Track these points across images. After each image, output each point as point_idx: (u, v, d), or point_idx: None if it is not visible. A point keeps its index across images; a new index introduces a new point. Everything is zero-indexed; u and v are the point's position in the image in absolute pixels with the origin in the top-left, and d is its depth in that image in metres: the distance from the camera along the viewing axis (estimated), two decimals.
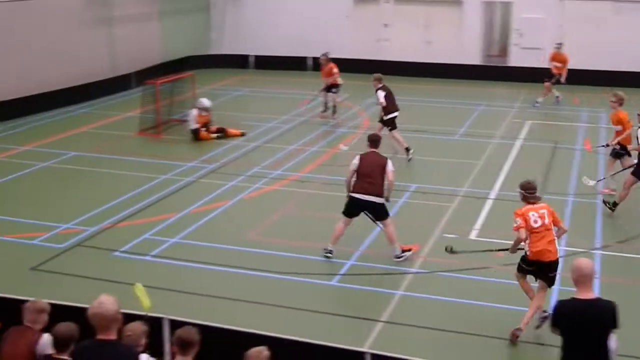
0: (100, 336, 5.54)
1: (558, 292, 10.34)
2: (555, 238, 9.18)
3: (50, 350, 6.50)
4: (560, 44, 23.32)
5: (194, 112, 18.76)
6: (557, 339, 6.62)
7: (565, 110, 22.44)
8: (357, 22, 29.58)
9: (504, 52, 29.85)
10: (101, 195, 14.45)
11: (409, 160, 16.82)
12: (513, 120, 21.14)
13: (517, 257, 11.53)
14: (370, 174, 11.35)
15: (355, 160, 11.45)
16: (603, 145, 15.43)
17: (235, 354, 6.43)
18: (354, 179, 11.44)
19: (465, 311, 10.04)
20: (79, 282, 10.75)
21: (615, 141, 14.36)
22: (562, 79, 22.64)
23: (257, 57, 29.99)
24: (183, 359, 6.07)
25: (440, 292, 10.54)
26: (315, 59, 29.41)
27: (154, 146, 18.29)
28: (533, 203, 9.34)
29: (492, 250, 10.51)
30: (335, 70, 21.23)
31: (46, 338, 6.55)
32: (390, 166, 11.41)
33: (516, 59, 27.84)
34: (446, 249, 10.51)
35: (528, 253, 9.19)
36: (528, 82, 26.52)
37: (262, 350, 5.92)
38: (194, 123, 18.74)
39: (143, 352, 6.41)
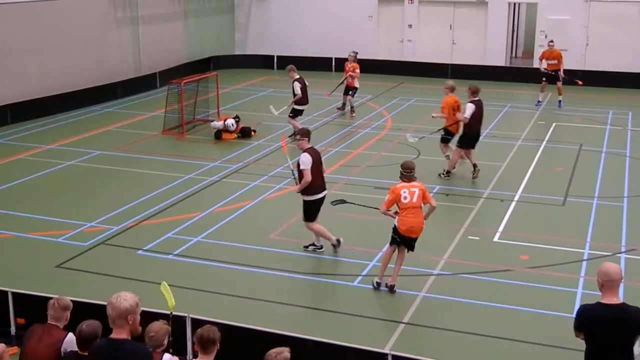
0: (113, 335, 5.53)
1: (581, 295, 10.27)
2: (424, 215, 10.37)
3: (74, 349, 6.54)
4: (552, 41, 23.17)
5: (218, 124, 19.00)
6: (581, 344, 6.54)
7: (591, 112, 22.23)
8: (382, 22, 29.55)
9: (529, 53, 29.67)
10: (125, 194, 14.55)
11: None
12: (538, 122, 21.00)
13: (540, 261, 11.48)
14: (319, 170, 11.72)
15: (307, 159, 11.41)
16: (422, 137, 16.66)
17: (257, 354, 6.44)
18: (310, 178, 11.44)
19: (487, 313, 9.97)
20: (103, 280, 10.83)
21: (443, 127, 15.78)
22: (562, 74, 22.57)
23: (281, 57, 30.03)
24: (204, 357, 6.08)
25: (463, 294, 10.48)
26: (339, 60, 29.54)
27: (177, 146, 18.38)
28: (408, 181, 10.30)
29: (371, 207, 11.50)
30: (357, 70, 21.54)
31: (70, 336, 6.60)
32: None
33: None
34: (333, 203, 11.75)
35: (400, 227, 10.23)
36: (554, 84, 26.34)
37: (283, 351, 5.91)
38: (217, 122, 19.00)
39: (166, 350, 6.43)
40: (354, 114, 21.57)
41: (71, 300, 6.95)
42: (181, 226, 12.87)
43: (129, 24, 24.64)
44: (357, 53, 22.26)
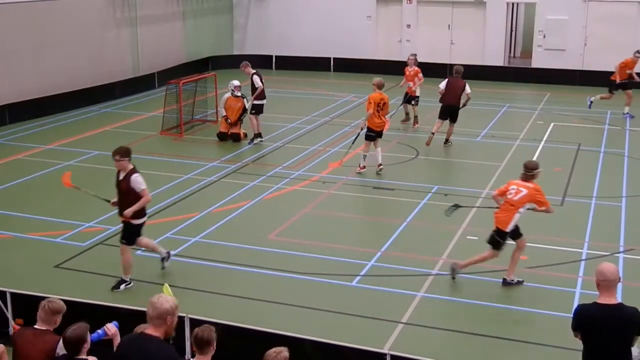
0: (148, 330, 5.78)
1: (580, 295, 10.28)
2: None
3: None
4: (638, 51, 21.30)
5: (225, 96, 18.60)
6: (579, 344, 6.54)
7: (589, 112, 22.23)
8: (380, 22, 29.56)
9: (527, 53, 29.70)
10: None
11: (253, 144, 18.17)
12: (536, 122, 21.01)
13: (539, 261, 11.49)
14: None
15: (142, 178, 10.61)
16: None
17: (256, 354, 6.43)
18: None
19: (486, 313, 9.97)
20: (102, 280, 10.82)
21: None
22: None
23: (280, 57, 30.04)
24: (201, 357, 6.08)
25: (462, 294, 10.48)
26: (337, 60, 29.57)
27: (176, 146, 18.37)
28: (524, 180, 10.35)
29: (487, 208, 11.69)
30: (421, 75, 20.00)
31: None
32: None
33: (540, 60, 27.67)
34: (447, 212, 11.45)
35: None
36: (552, 84, 26.40)
37: (282, 350, 5.91)
38: (223, 108, 18.64)
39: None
40: (417, 125, 19.97)
41: (70, 301, 6.93)
42: (180, 226, 12.86)
43: (127, 24, 24.63)
44: (416, 55, 20.70)
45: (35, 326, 6.60)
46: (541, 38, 27.61)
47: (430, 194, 14.63)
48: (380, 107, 15.38)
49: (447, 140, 18.16)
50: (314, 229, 13.01)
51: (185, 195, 14.50)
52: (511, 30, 30.84)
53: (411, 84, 19.93)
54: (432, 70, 27.97)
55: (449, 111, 17.96)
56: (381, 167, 15.75)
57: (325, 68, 29.46)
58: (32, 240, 12.29)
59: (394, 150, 17.83)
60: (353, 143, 16.21)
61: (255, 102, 18.34)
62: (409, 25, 29.13)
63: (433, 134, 17.68)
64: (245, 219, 13.40)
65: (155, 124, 19.90)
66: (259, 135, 18.43)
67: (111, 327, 6.44)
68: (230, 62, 29.94)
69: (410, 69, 20.09)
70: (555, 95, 24.70)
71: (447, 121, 18.09)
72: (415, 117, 20.13)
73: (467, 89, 17.98)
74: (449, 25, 28.79)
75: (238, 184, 15.25)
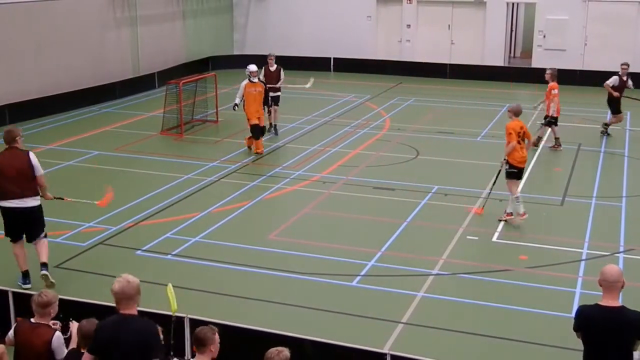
0: (123, 311, 5.94)
1: (580, 295, 10.28)
2: None
3: (63, 348, 6.57)
4: None
5: (243, 83, 17.42)
6: (580, 344, 6.54)
7: (590, 112, 22.25)
8: (380, 22, 29.57)
9: (527, 53, 29.71)
10: (123, 194, 14.51)
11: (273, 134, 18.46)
12: (537, 122, 20.98)
13: (539, 261, 11.49)
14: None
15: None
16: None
17: (256, 354, 6.44)
18: None
19: (486, 313, 9.98)
20: (102, 280, 10.81)
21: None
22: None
23: (280, 57, 29.92)
24: (201, 357, 6.09)
25: (462, 294, 10.48)
26: (337, 60, 29.57)
27: (176, 146, 18.38)
28: None
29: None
30: (555, 91, 17.54)
31: (57, 335, 6.60)
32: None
33: (540, 60, 27.66)
34: None
35: None
36: None
37: (283, 350, 5.92)
38: (239, 96, 17.49)
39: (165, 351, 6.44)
40: (560, 148, 17.91)
41: (71, 300, 6.95)
42: (180, 226, 12.87)
43: (127, 24, 24.63)
44: (554, 69, 17.87)
45: (32, 320, 6.67)
46: (541, 38, 27.62)
47: (431, 194, 14.63)
48: (521, 137, 13.02)
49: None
50: (314, 229, 13.02)
51: (185, 195, 14.50)
52: (511, 30, 30.86)
53: (547, 102, 17.95)
54: (433, 71, 28.10)
55: None
56: (526, 215, 12.96)
57: (326, 68, 29.47)
58: None
59: (393, 150, 17.83)
60: (494, 184, 13.56)
61: (280, 93, 19.14)
62: (409, 25, 29.14)
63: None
64: (245, 219, 13.40)
65: (156, 124, 19.91)
66: (274, 127, 19.01)
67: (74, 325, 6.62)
68: (230, 62, 29.99)
69: (550, 85, 17.71)
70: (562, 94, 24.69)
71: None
72: (556, 138, 17.96)
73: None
74: (449, 25, 28.80)
75: (238, 184, 15.25)
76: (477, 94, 25.10)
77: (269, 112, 18.86)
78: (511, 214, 13.02)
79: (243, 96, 17.35)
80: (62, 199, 11.27)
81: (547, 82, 17.75)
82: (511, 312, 10.02)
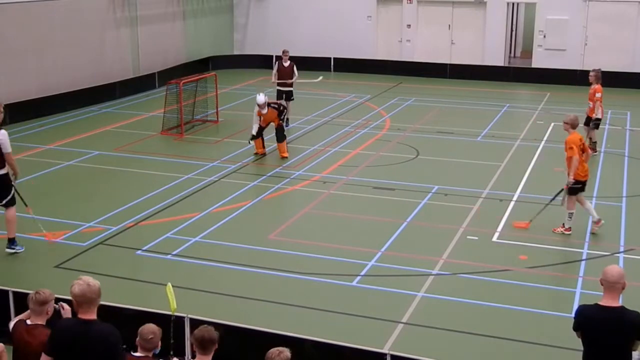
0: (82, 315, 5.76)
1: (580, 295, 10.27)
2: None
3: None
4: None
5: (256, 109, 16.96)
6: (579, 344, 6.55)
7: None
8: (380, 22, 29.57)
9: (527, 53, 29.71)
10: (124, 194, 14.54)
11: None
12: (537, 122, 21.01)
13: (539, 261, 11.48)
14: None
15: None
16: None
17: (256, 354, 6.44)
18: None
19: (486, 313, 9.97)
20: (102, 280, 10.71)
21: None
22: None
23: (280, 57, 29.93)
24: (202, 357, 6.09)
25: (462, 294, 10.48)
26: (337, 60, 29.58)
27: (176, 146, 18.38)
28: None
29: None
30: (599, 95, 16.99)
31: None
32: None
33: (540, 60, 27.67)
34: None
35: None
36: (552, 84, 26.40)
37: (283, 351, 5.91)
38: (255, 126, 16.96)
39: (163, 352, 6.43)
40: (595, 152, 17.23)
41: (70, 301, 6.92)
42: (180, 226, 12.87)
43: (127, 24, 24.63)
44: (598, 71, 17.36)
45: (28, 321, 6.64)
46: (541, 38, 27.61)
47: (431, 194, 14.63)
48: (581, 149, 12.46)
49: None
50: (314, 229, 13.02)
51: (185, 195, 14.51)
52: (511, 30, 30.86)
53: (591, 104, 17.24)
54: (433, 70, 28.10)
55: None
56: (602, 222, 12.65)
57: (326, 68, 29.45)
58: (32, 240, 12.28)
59: (393, 150, 17.84)
60: (555, 199, 12.91)
61: (292, 88, 20.10)
62: (409, 25, 29.13)
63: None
64: (245, 219, 13.40)
65: (156, 124, 19.91)
66: (287, 119, 19.45)
67: (65, 306, 6.55)
68: (230, 62, 30.01)
69: (592, 88, 17.24)
70: (555, 95, 24.71)
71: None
72: (594, 142, 17.32)
73: None
74: (449, 25, 28.79)
75: (238, 184, 15.25)
76: (477, 94, 25.10)
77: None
78: (570, 229, 12.52)
79: (259, 117, 16.89)
80: (27, 205, 11.93)
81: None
82: (511, 312, 10.02)
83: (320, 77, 23.14)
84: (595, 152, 17.33)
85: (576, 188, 12.37)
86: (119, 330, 5.82)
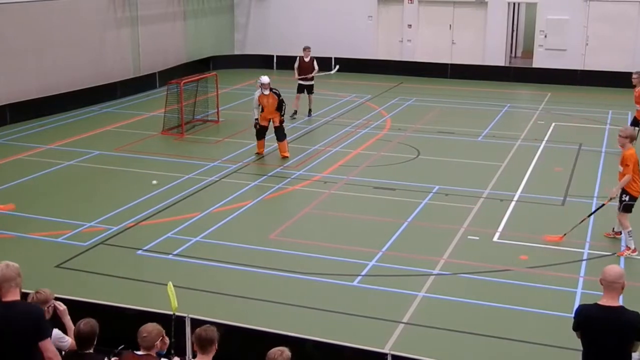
0: (4, 298, 5.81)
1: (581, 295, 10.27)
2: None
3: (61, 343, 6.56)
4: None
5: (256, 94, 16.95)
6: (579, 344, 6.54)
7: (590, 112, 22.25)
8: (381, 22, 29.55)
9: (528, 53, 29.69)
10: (124, 194, 14.54)
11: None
12: (537, 122, 21.00)
13: (540, 261, 11.48)
14: None
15: None
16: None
17: (256, 354, 6.44)
18: None
19: (487, 313, 9.97)
20: (103, 280, 10.83)
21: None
22: None
23: (280, 57, 30.01)
24: (203, 357, 6.08)
25: (462, 294, 10.48)
26: (338, 60, 29.55)
27: (177, 146, 18.38)
28: None
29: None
30: None
31: (55, 332, 6.59)
32: None
33: (541, 60, 27.65)
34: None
35: None
36: (553, 84, 26.39)
37: (284, 350, 5.91)
38: (255, 108, 16.96)
39: (163, 353, 6.42)
40: None
41: (71, 300, 6.94)
42: (181, 226, 12.87)
43: (128, 23, 24.62)
44: None
45: None
46: (542, 38, 27.58)
47: (431, 194, 14.62)
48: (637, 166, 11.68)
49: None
50: (315, 228, 13.01)
51: (186, 195, 14.50)
52: (512, 30, 30.82)
53: (638, 106, 16.97)
54: (434, 70, 28.09)
55: None
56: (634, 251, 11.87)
57: (327, 68, 29.37)
58: (33, 240, 12.29)
59: (394, 150, 17.83)
60: (589, 216, 12.60)
61: (313, 82, 21.19)
62: (410, 25, 29.11)
63: None
64: (245, 219, 13.40)
65: (156, 123, 19.91)
66: (309, 110, 21.29)
67: (60, 305, 6.60)
68: (231, 62, 29.99)
69: (638, 90, 16.87)
70: (556, 95, 24.70)
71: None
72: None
73: None
74: (450, 25, 28.77)
75: (239, 184, 15.25)
76: (478, 94, 25.08)
77: (297, 98, 21.28)
78: (634, 248, 11.81)
79: (259, 105, 16.89)
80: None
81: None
82: (511, 312, 10.02)
83: (337, 67, 24.25)
84: None
85: (631, 205, 11.77)
86: (118, 331, 5.82)
